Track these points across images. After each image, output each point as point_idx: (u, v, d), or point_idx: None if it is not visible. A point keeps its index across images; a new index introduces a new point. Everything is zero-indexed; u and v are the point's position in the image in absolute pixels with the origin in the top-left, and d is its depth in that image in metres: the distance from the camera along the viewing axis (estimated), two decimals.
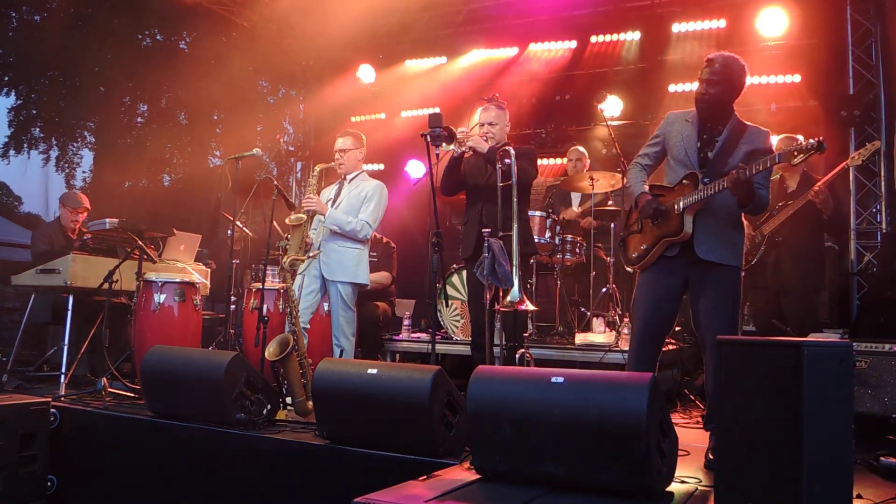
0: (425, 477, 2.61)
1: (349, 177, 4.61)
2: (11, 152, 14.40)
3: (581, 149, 6.06)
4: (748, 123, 3.20)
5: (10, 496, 3.60)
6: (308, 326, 4.44)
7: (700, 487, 2.56)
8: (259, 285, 4.86)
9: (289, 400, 3.92)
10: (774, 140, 4.84)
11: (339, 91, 8.13)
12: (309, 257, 4.30)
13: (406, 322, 5.77)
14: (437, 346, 4.44)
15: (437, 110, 3.88)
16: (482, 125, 4.09)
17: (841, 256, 6.03)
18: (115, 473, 3.67)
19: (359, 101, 8.13)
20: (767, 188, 3.14)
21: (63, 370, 4.41)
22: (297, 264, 4.25)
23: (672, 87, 6.62)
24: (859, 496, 2.46)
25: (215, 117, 13.75)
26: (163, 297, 4.55)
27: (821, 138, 2.88)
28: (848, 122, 5.91)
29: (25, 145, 14.41)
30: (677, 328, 5.27)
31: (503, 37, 7.53)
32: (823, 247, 5.23)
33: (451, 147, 3.88)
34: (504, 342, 3.73)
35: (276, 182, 4.90)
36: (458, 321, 5.43)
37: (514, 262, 3.46)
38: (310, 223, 4.40)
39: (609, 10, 7.03)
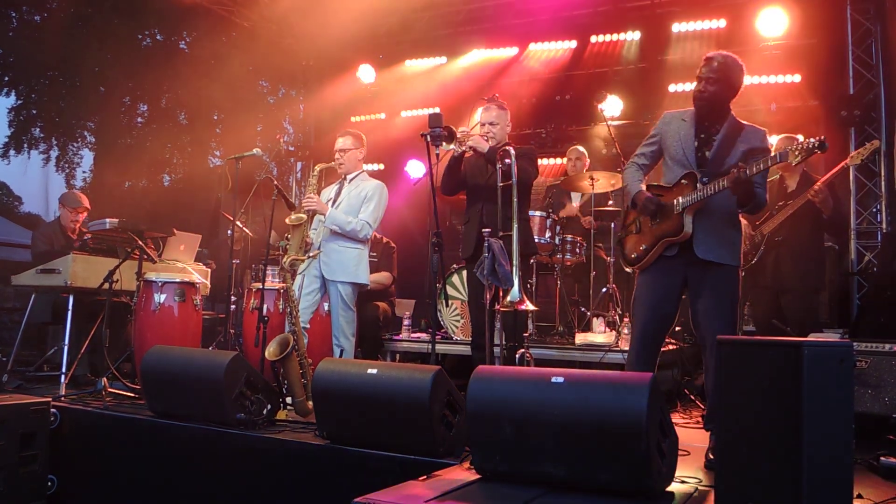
0: (425, 477, 2.61)
1: (349, 177, 4.61)
2: (11, 152, 14.41)
3: (581, 148, 6.06)
4: (744, 122, 3.20)
5: (10, 496, 3.60)
6: (308, 326, 4.44)
7: (700, 487, 2.56)
8: (259, 285, 4.86)
9: (289, 400, 3.92)
10: (774, 140, 4.85)
11: (339, 91, 8.13)
12: (309, 257, 4.30)
13: (406, 322, 5.77)
14: (437, 346, 4.45)
15: (437, 110, 3.88)
16: (483, 125, 4.09)
17: (841, 256, 6.03)
18: (115, 473, 3.67)
19: (359, 101, 8.13)
20: (765, 187, 3.15)
21: (63, 370, 4.42)
22: (297, 264, 4.25)
23: (672, 87, 6.63)
24: (859, 496, 2.46)
25: (215, 117, 13.74)
26: (163, 297, 4.55)
27: (822, 137, 2.87)
28: (848, 122, 5.91)
29: (25, 145, 14.41)
30: (677, 328, 5.27)
31: (503, 37, 7.53)
32: (823, 247, 5.23)
33: (452, 146, 3.87)
34: (504, 342, 3.73)
35: (276, 182, 4.89)
36: (458, 321, 5.43)
37: (514, 262, 3.46)
38: (310, 223, 4.40)
39: (609, 9, 7.03)
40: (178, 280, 4.64)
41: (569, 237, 5.37)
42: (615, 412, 2.28)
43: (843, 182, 5.75)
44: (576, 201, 5.99)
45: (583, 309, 5.63)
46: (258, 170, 9.24)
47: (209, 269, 5.56)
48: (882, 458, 2.89)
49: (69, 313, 4.54)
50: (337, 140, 4.62)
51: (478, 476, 2.58)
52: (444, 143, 3.70)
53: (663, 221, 3.22)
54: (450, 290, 5.48)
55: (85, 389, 4.34)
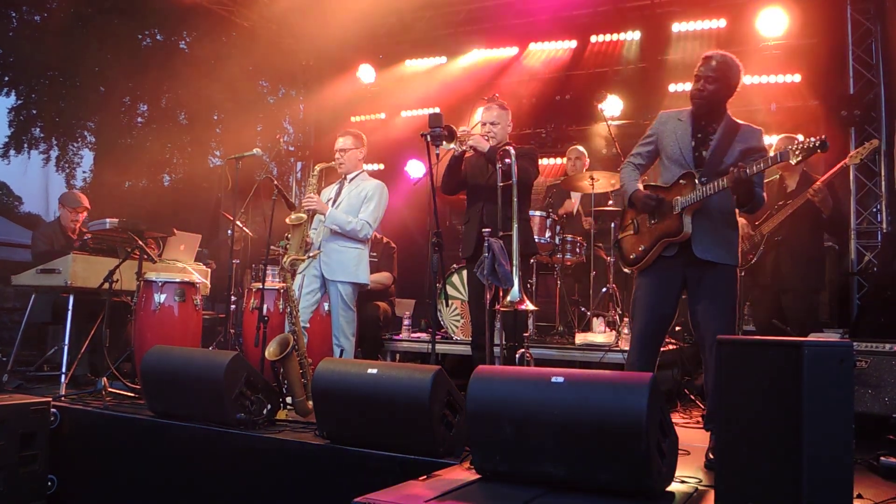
0: (425, 477, 2.61)
1: (349, 176, 4.61)
2: (11, 152, 14.41)
3: (580, 148, 6.06)
4: (741, 122, 3.20)
5: (10, 496, 3.60)
6: (308, 326, 4.44)
7: (700, 487, 2.56)
8: (259, 285, 4.86)
9: (289, 400, 3.92)
10: (774, 140, 4.85)
11: (338, 91, 8.13)
12: (309, 257, 4.30)
13: (406, 322, 5.77)
14: (437, 346, 4.45)
15: (437, 110, 3.88)
16: (484, 124, 4.09)
17: (841, 256, 6.03)
18: (115, 473, 3.67)
19: (359, 101, 8.14)
20: (762, 186, 3.16)
21: (63, 370, 4.41)
22: (297, 264, 4.25)
23: (672, 87, 6.64)
24: (859, 496, 2.46)
25: (215, 117, 13.74)
26: (163, 296, 4.55)
27: (823, 137, 2.87)
28: (848, 122, 5.92)
29: (25, 145, 14.42)
30: (677, 328, 5.27)
31: (503, 37, 7.54)
32: (823, 246, 5.23)
33: (452, 146, 3.87)
34: (504, 342, 3.73)
35: (276, 182, 4.89)
36: (458, 321, 5.43)
37: (515, 262, 3.46)
38: (310, 223, 4.40)
39: (609, 9, 7.03)
40: (178, 280, 4.64)
41: (569, 237, 5.37)
42: (615, 412, 2.28)
43: (843, 182, 5.75)
44: (576, 201, 5.99)
45: (583, 309, 5.63)
46: (258, 170, 9.23)
47: (209, 269, 5.55)
48: (882, 458, 2.88)
49: (69, 313, 4.54)
50: (337, 140, 4.62)
51: (478, 476, 2.57)
52: (444, 143, 3.70)
53: (662, 222, 3.21)
54: (450, 290, 5.48)
55: (85, 389, 4.34)
